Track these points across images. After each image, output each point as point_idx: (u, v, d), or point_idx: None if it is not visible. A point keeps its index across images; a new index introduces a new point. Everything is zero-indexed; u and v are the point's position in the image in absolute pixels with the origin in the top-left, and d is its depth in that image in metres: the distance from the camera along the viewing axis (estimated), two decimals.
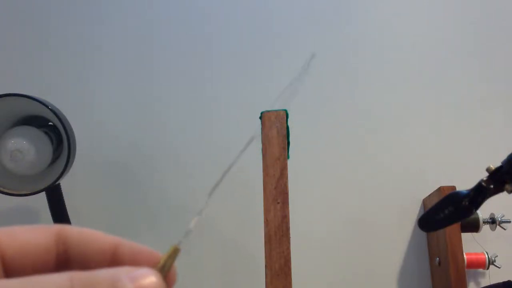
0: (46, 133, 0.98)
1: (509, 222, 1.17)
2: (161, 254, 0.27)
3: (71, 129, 0.97)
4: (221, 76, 1.40)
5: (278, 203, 0.84)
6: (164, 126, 1.38)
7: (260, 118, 0.89)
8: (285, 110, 0.89)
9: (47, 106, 0.93)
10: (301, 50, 1.40)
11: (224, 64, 1.41)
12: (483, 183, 0.64)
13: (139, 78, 1.41)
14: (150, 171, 1.35)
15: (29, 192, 0.95)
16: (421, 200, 1.28)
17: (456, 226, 1.11)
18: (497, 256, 1.18)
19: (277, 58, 1.41)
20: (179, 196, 1.33)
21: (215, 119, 1.37)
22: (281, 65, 1.40)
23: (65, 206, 1.04)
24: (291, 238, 0.83)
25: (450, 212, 0.66)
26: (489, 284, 1.17)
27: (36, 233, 0.26)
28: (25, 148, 0.93)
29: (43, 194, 0.99)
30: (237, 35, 1.43)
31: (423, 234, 1.26)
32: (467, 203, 0.64)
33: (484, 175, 0.65)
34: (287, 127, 0.89)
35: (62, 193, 1.04)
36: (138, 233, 1.30)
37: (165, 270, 0.26)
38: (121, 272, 0.24)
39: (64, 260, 0.27)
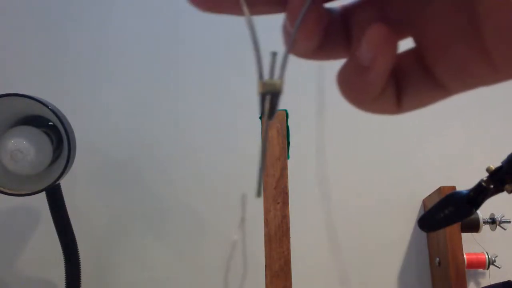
0: (46, 133, 0.98)
1: (509, 222, 1.17)
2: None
3: (71, 129, 0.97)
4: (222, 76, 1.40)
5: (278, 203, 0.84)
6: (165, 126, 1.38)
7: (260, 118, 0.89)
8: (285, 110, 0.89)
9: (47, 106, 0.93)
10: None
11: (225, 64, 1.41)
12: (483, 183, 0.64)
13: (139, 78, 1.41)
14: (150, 171, 1.35)
15: (29, 192, 0.95)
16: (421, 200, 1.28)
17: (456, 226, 1.11)
18: (497, 256, 1.18)
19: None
20: (179, 196, 1.32)
21: (216, 120, 1.37)
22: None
23: (65, 206, 1.04)
24: (291, 238, 0.83)
25: (450, 212, 0.66)
26: (489, 284, 1.17)
27: None
28: (25, 148, 0.93)
29: (43, 194, 0.99)
30: (237, 35, 1.43)
31: (423, 234, 1.26)
32: (467, 203, 0.64)
33: (484, 175, 0.65)
34: (287, 127, 0.89)
35: (62, 193, 1.04)
36: (138, 233, 1.30)
37: None
38: None
39: None
